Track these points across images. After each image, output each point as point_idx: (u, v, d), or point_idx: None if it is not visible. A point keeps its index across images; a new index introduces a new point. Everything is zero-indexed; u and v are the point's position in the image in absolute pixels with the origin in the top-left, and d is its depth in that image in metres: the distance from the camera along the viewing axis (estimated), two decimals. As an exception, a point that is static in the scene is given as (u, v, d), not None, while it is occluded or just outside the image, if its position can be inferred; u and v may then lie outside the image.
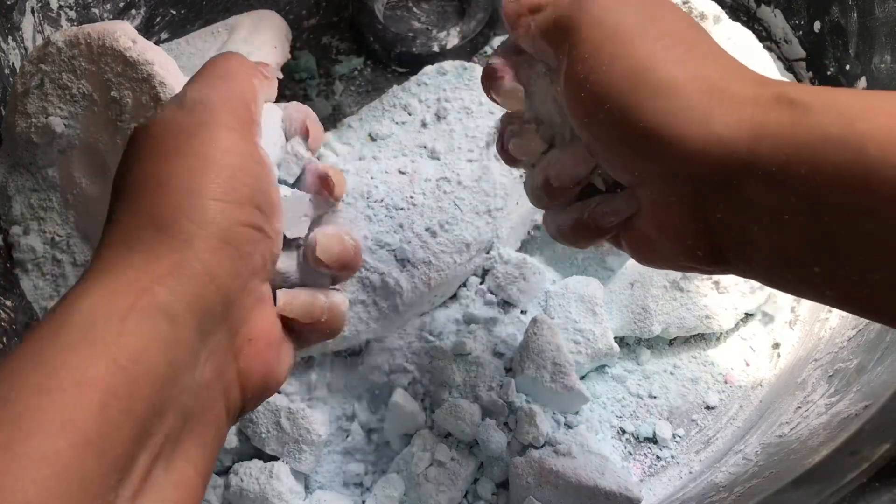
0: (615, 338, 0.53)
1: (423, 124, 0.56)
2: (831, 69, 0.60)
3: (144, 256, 0.29)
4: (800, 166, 0.27)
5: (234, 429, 0.51)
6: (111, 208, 0.31)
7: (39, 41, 0.56)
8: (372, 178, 0.53)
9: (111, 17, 0.64)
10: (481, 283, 0.54)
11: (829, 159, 0.26)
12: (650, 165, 0.30)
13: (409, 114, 0.57)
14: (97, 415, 0.24)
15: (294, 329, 0.35)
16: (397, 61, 0.67)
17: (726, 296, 0.53)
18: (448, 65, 0.58)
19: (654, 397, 0.53)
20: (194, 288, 0.29)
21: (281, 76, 0.38)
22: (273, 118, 0.36)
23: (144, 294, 0.27)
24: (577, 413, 0.51)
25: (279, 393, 0.51)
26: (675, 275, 0.53)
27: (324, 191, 0.36)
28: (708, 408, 0.53)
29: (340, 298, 0.36)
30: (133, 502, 0.26)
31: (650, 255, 0.34)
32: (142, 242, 0.29)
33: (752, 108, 0.29)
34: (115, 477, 0.25)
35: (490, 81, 0.37)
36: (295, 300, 0.34)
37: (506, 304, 0.53)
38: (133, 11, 0.66)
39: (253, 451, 0.51)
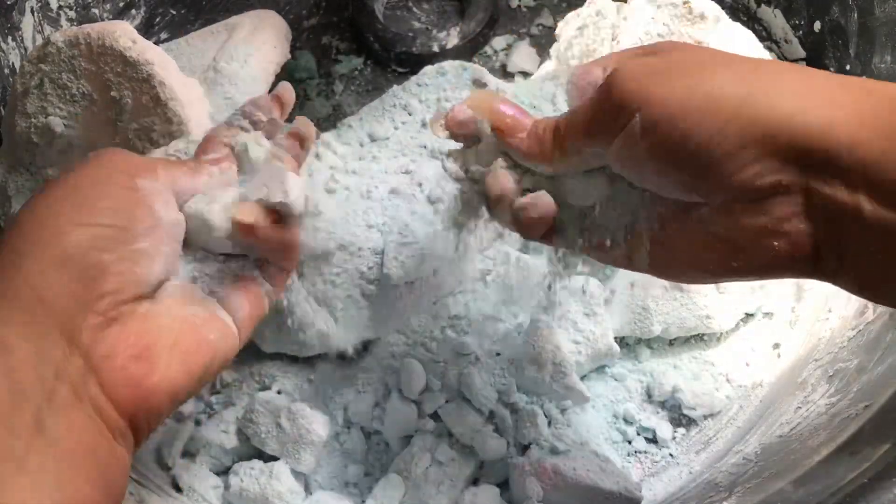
0: (615, 338, 0.52)
1: (423, 124, 0.56)
2: (831, 69, 0.60)
3: None
4: None
5: (233, 429, 0.51)
6: None
7: (39, 41, 0.56)
8: (372, 178, 0.53)
9: (111, 17, 0.64)
10: (481, 283, 0.54)
11: None
12: (752, 170, 0.30)
13: (409, 114, 0.56)
14: None
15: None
16: (397, 61, 0.67)
17: (726, 296, 0.53)
18: (448, 65, 0.58)
19: (655, 397, 0.53)
20: (24, 314, 0.29)
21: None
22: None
23: None
24: (577, 413, 0.51)
25: (279, 393, 0.51)
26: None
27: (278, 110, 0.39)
28: (708, 408, 0.53)
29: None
30: None
31: (733, 263, 0.33)
32: None
33: (845, 97, 0.29)
34: None
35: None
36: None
37: (506, 304, 0.53)
38: (133, 11, 0.66)
39: (253, 451, 0.51)
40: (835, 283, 0.32)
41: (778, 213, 0.30)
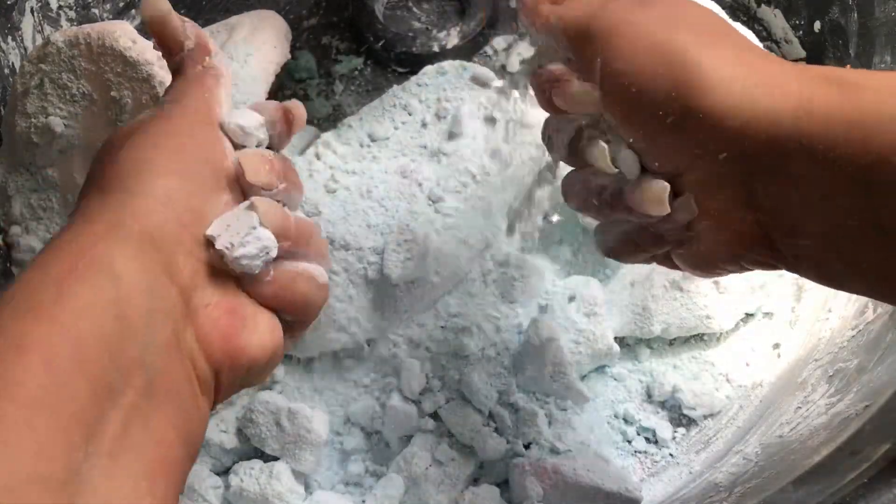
0: (615, 338, 0.52)
1: (423, 124, 0.56)
2: (831, 69, 0.60)
3: (85, 220, 0.29)
4: (850, 145, 0.26)
5: (233, 429, 0.51)
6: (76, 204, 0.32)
7: (39, 41, 0.56)
8: (372, 178, 0.53)
9: (111, 17, 0.64)
10: (481, 283, 0.54)
11: (882, 138, 0.26)
12: (696, 147, 0.30)
13: (409, 114, 0.56)
14: (42, 373, 0.24)
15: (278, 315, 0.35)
16: (397, 61, 0.67)
17: (726, 296, 0.53)
18: (448, 65, 0.58)
19: (654, 397, 0.53)
20: (133, 248, 0.29)
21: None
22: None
23: (84, 255, 0.28)
24: (577, 413, 0.51)
25: (279, 393, 0.51)
26: (676, 275, 0.53)
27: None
28: (708, 408, 0.53)
29: (316, 270, 0.36)
30: (110, 459, 0.25)
31: (709, 259, 0.33)
32: (85, 209, 0.30)
33: (797, 85, 0.28)
34: (77, 433, 0.24)
35: (553, 86, 0.35)
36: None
37: (506, 304, 0.53)
38: (133, 11, 0.66)
39: (253, 451, 0.51)
40: (797, 273, 0.32)
41: (723, 199, 0.30)
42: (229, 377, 0.32)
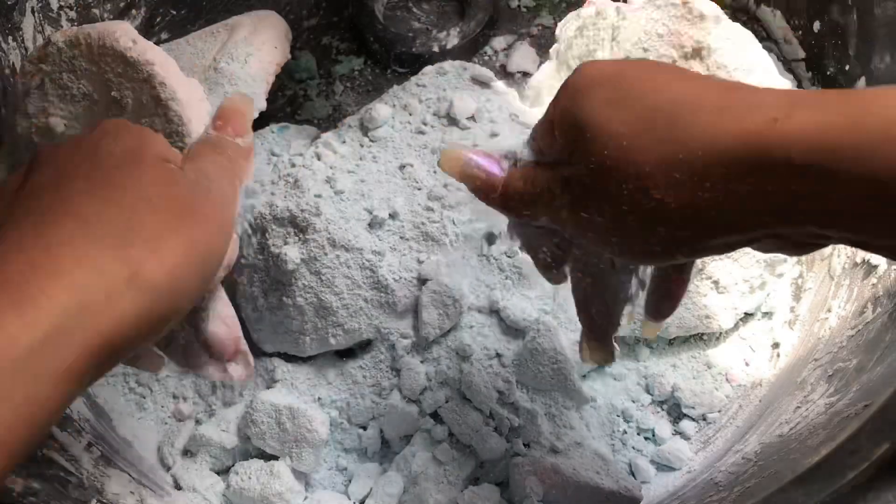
0: (615, 337, 0.52)
1: (423, 124, 0.56)
2: (831, 69, 0.60)
3: None
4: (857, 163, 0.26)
5: (234, 428, 0.51)
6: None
7: (40, 41, 0.56)
8: (371, 178, 0.53)
9: (111, 17, 0.64)
10: (482, 283, 0.54)
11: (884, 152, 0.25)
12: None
13: (410, 114, 0.57)
14: None
15: None
16: (397, 61, 0.67)
17: (726, 296, 0.53)
18: (448, 65, 0.58)
19: (654, 397, 0.53)
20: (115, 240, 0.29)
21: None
22: None
23: None
24: (577, 413, 0.51)
25: (280, 393, 0.51)
26: (675, 275, 0.53)
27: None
28: (708, 407, 0.53)
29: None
30: None
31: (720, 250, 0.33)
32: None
33: (775, 106, 0.28)
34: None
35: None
36: None
37: (506, 303, 0.53)
38: (133, 11, 0.66)
39: (253, 450, 0.51)
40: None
41: (748, 230, 0.30)
42: None
